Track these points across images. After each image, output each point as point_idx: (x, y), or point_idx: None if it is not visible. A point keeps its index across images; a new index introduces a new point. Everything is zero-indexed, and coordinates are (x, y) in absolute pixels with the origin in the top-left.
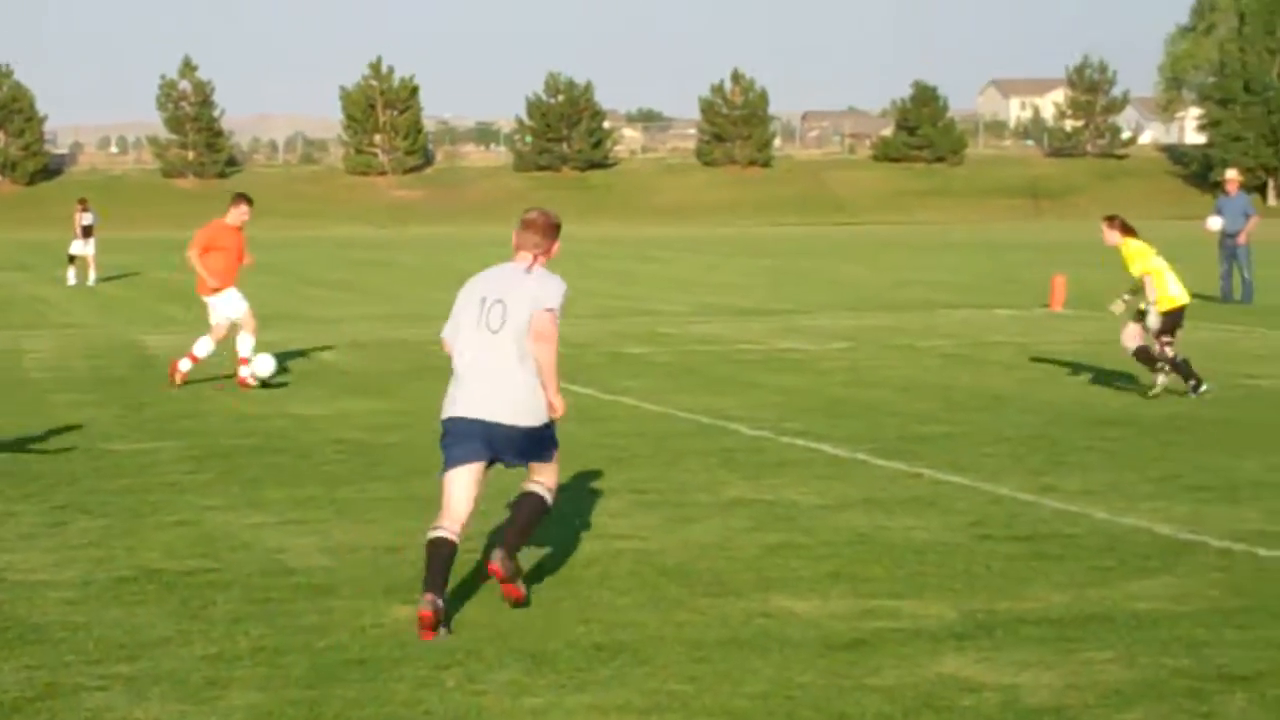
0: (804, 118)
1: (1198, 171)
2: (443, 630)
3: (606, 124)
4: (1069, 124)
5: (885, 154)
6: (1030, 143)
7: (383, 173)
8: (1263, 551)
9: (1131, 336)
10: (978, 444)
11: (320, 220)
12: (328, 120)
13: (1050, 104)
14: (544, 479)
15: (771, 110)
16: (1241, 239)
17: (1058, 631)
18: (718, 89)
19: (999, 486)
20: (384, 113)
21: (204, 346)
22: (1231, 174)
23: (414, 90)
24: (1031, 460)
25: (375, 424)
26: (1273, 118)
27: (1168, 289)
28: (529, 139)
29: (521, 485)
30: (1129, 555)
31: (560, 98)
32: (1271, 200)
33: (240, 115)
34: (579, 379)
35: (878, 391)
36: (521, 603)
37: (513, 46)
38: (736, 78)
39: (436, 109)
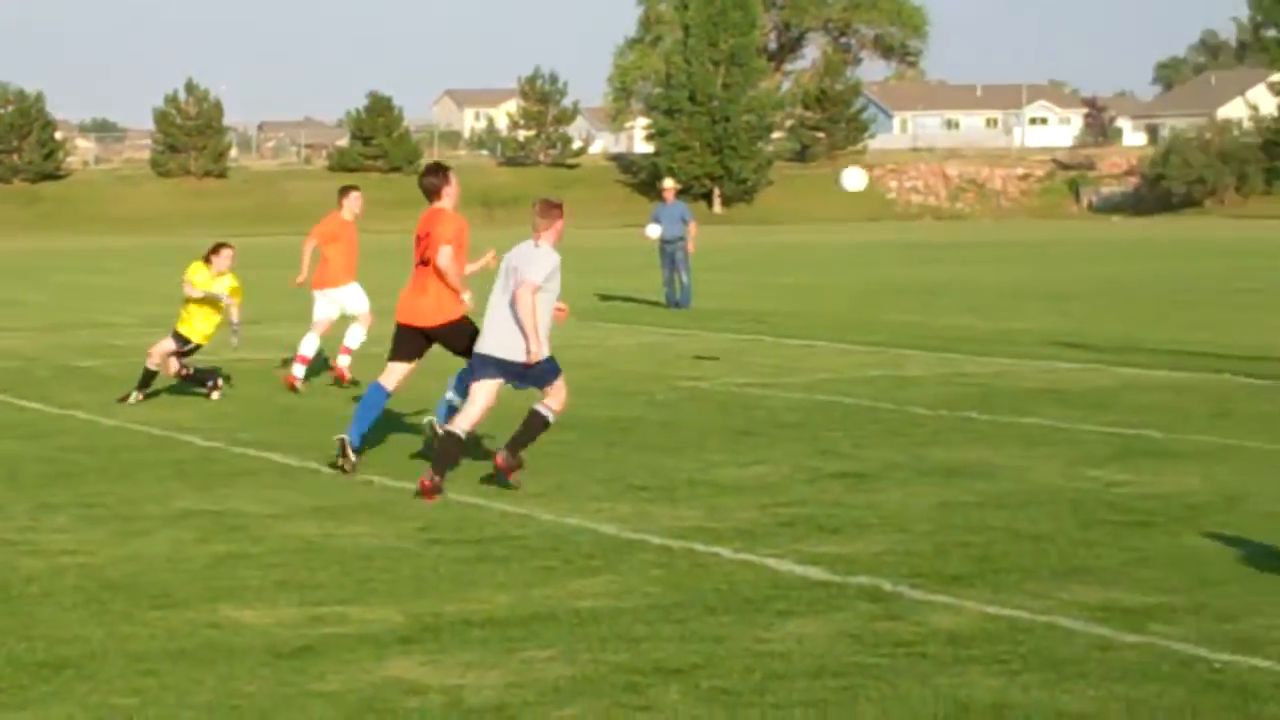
0: (260, 128)
1: (646, 180)
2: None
3: (58, 134)
4: (522, 134)
5: (341, 164)
6: (484, 152)
7: None
8: (700, 547)
9: None
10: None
11: None
12: None
13: (504, 114)
14: (550, 401)
15: (227, 121)
16: (691, 247)
17: (502, 632)
18: (172, 99)
19: (448, 491)
20: None
21: (310, 345)
22: (669, 183)
23: None
24: (481, 466)
25: None
26: (717, 128)
27: None
28: None
29: (533, 404)
30: (573, 555)
31: (10, 108)
32: (717, 208)
33: None
34: (27, 394)
35: (328, 400)
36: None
37: None
38: (191, 88)
39: None
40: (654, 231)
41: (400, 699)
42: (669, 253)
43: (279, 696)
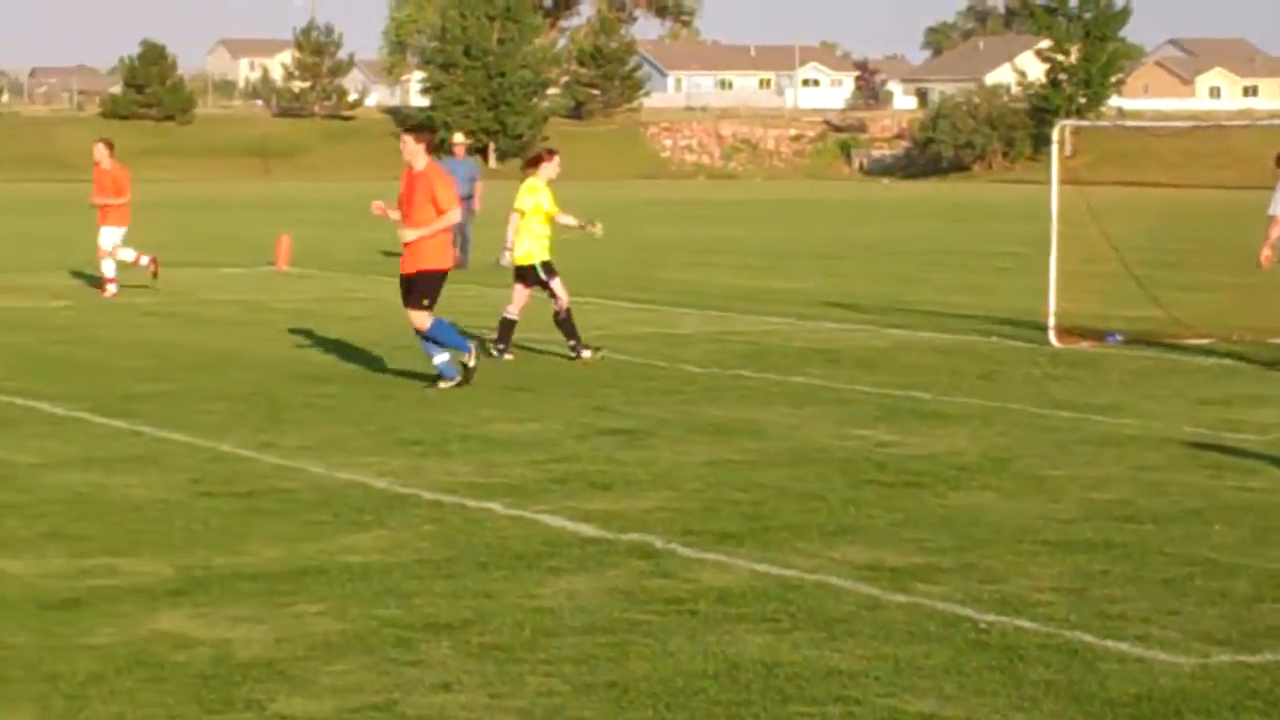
0: (32, 74)
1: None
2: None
3: None
4: (296, 85)
5: (114, 111)
6: (259, 103)
7: None
8: (471, 503)
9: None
10: (199, 402)
11: None
12: None
13: (279, 65)
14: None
15: None
16: (477, 205)
17: (271, 586)
18: None
19: (220, 443)
20: None
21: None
22: (459, 138)
23: None
24: (252, 417)
25: None
26: (493, 83)
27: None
28: None
29: None
30: (344, 509)
31: None
32: (493, 163)
33: None
34: None
35: (98, 350)
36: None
37: None
38: None
39: None
40: None
41: (169, 652)
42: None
43: (45, 648)
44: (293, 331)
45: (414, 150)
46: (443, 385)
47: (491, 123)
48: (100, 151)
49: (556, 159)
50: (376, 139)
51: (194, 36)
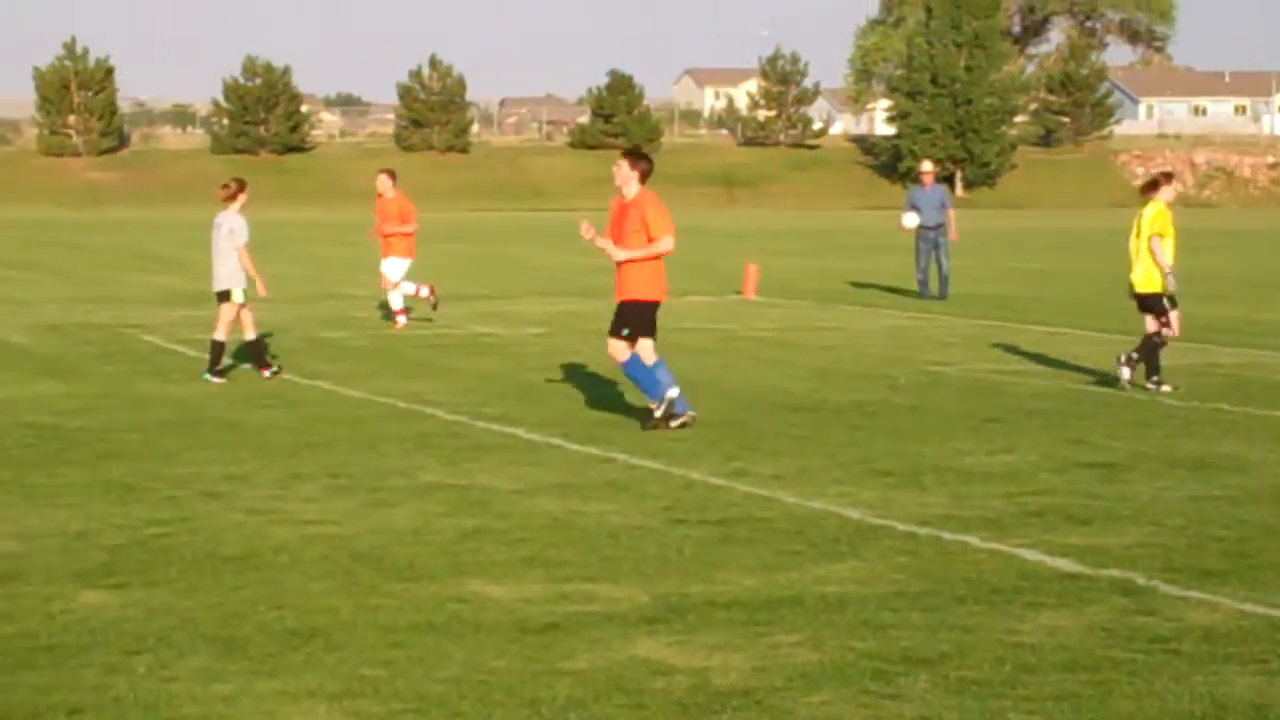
0: (502, 104)
1: (886, 162)
2: None
3: (304, 108)
4: (762, 114)
5: (582, 141)
6: (724, 132)
7: (77, 154)
8: (946, 535)
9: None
10: (670, 429)
11: (11, 202)
12: (17, 99)
13: (744, 94)
14: None
15: (470, 96)
16: (954, 235)
17: (747, 615)
18: (416, 74)
19: (691, 471)
20: (78, 94)
21: None
22: (927, 166)
23: (109, 71)
24: (724, 445)
25: (66, 407)
26: (959, 110)
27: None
28: (226, 122)
29: None
30: (818, 539)
31: (258, 81)
32: (960, 191)
33: None
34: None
35: (572, 377)
36: None
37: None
38: (434, 64)
39: (132, 90)
40: (911, 221)
41: (647, 679)
42: (930, 239)
43: (526, 673)
44: (762, 360)
45: (627, 176)
46: (675, 424)
47: (958, 151)
48: (383, 182)
49: (1175, 182)
50: (841, 168)
51: (660, 67)
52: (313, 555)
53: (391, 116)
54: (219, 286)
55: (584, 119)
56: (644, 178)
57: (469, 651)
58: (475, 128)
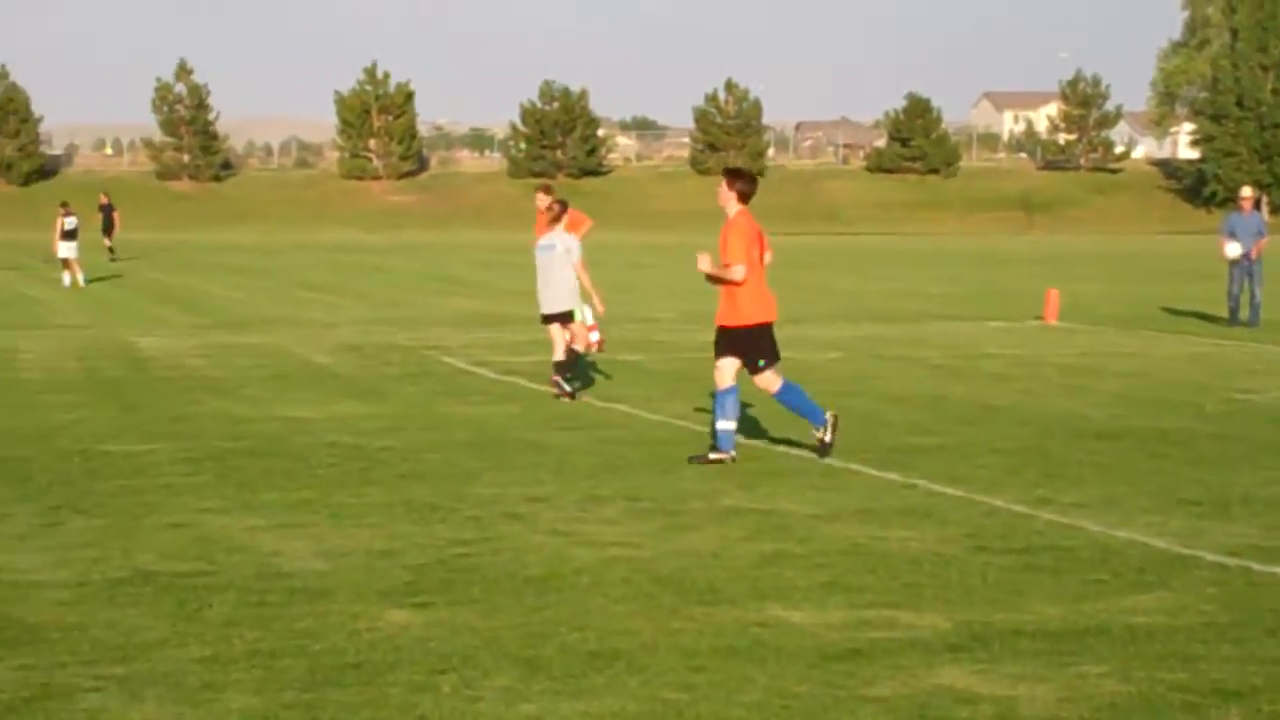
0: (797, 128)
1: (1190, 186)
2: None
3: (600, 131)
4: (1062, 137)
5: (879, 165)
6: (1023, 155)
7: (377, 177)
8: (1257, 566)
9: None
10: (971, 456)
11: (314, 224)
12: (319, 123)
13: (1043, 117)
14: None
15: (765, 120)
16: (1254, 254)
17: (1053, 644)
18: (712, 98)
19: (993, 498)
20: (379, 118)
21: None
22: (1246, 192)
23: (409, 95)
24: (1026, 473)
25: (369, 428)
26: (1265, 134)
27: None
28: (523, 145)
29: None
30: (1124, 569)
31: (555, 105)
32: (1266, 216)
33: (232, 118)
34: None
35: (871, 402)
36: None
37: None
38: (730, 87)
39: (431, 114)
40: (1234, 251)
41: (952, 708)
42: (1244, 266)
43: (829, 699)
44: (1064, 386)
45: (726, 197)
46: (713, 456)
47: (1265, 175)
48: (542, 199)
49: None
50: (1144, 192)
51: (959, 90)
52: (614, 577)
53: (687, 140)
54: (560, 307)
55: (880, 142)
56: (743, 198)
57: (770, 677)
58: (771, 151)
